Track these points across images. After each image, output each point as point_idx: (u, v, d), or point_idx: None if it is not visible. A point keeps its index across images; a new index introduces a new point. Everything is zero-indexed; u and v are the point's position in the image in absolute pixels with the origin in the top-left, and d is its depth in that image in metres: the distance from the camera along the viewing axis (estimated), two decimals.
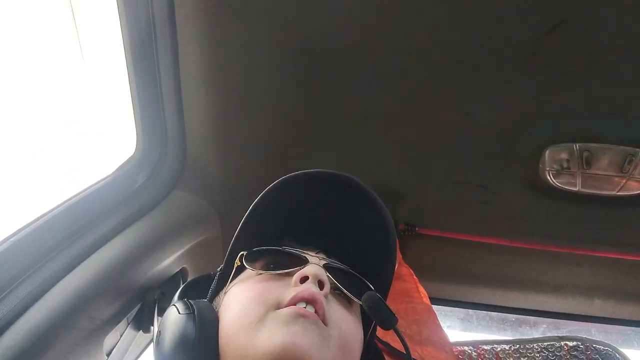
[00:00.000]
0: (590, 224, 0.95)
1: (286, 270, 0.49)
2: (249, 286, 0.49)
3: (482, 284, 1.14)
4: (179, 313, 0.46)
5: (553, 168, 0.84)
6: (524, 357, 0.93)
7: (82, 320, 0.60)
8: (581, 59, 0.70)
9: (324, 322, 0.45)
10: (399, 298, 0.82)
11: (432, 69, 0.76)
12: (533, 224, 0.98)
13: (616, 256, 1.00)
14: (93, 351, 0.63)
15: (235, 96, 0.83)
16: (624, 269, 1.05)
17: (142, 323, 0.73)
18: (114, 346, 0.68)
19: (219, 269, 0.56)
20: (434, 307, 0.84)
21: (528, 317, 1.23)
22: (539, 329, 1.27)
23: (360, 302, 0.49)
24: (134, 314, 0.73)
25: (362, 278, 0.52)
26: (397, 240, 0.57)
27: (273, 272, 0.50)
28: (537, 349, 0.93)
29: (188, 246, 0.85)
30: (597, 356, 0.91)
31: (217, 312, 0.49)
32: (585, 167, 0.82)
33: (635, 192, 0.85)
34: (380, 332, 0.64)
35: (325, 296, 0.47)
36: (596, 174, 0.83)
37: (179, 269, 0.83)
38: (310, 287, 0.46)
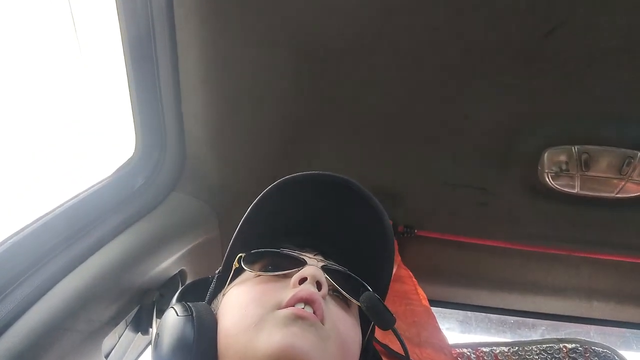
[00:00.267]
0: (589, 226, 0.95)
1: (284, 272, 0.49)
2: (248, 288, 0.49)
3: (481, 286, 1.13)
4: (178, 315, 0.46)
5: (552, 170, 0.84)
6: (522, 359, 0.93)
7: (80, 322, 0.60)
8: (580, 61, 0.70)
9: (323, 323, 0.45)
10: (398, 300, 0.82)
11: (431, 70, 0.76)
12: (532, 226, 0.98)
13: (615, 258, 1.00)
14: (91, 353, 0.63)
15: (234, 98, 0.83)
16: (623, 271, 1.05)
17: (141, 325, 0.73)
18: (113, 348, 0.68)
19: (217, 272, 0.56)
20: (433, 309, 0.84)
21: (527, 319, 1.23)
22: (537, 331, 1.27)
23: (358, 303, 0.49)
24: (133, 316, 0.72)
25: (360, 279, 0.52)
26: (395, 242, 0.57)
27: (271, 274, 0.50)
28: (536, 351, 0.93)
29: (187, 248, 0.85)
30: (595, 358, 0.91)
31: (216, 314, 0.49)
32: (584, 169, 0.82)
33: (633, 194, 0.85)
34: (379, 335, 0.64)
35: (324, 297, 0.47)
36: (595, 176, 0.83)
37: (177, 271, 0.83)
38: (308, 288, 0.46)
